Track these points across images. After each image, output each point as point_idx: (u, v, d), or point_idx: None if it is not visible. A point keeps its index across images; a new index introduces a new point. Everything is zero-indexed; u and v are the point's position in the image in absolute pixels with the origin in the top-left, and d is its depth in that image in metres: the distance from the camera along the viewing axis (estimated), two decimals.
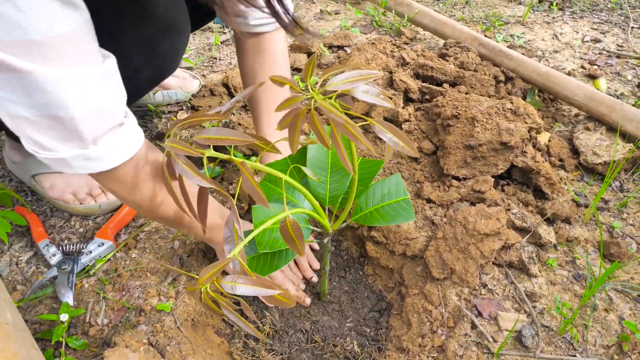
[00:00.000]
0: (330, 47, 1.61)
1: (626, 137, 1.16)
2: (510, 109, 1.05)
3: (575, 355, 0.83)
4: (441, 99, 1.14)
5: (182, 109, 1.38)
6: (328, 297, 1.03)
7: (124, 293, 0.89)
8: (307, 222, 0.84)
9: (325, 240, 0.85)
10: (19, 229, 1.01)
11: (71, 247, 0.95)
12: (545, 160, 1.18)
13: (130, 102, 0.67)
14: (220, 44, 1.68)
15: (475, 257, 0.89)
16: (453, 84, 1.32)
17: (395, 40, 1.43)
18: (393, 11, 1.75)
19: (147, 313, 0.86)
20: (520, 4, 1.97)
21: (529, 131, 1.05)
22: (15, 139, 1.03)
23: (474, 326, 0.86)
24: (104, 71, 0.59)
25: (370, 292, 1.05)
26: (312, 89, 0.55)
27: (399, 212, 0.80)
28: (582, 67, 1.57)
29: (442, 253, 0.91)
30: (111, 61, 0.61)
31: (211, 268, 0.57)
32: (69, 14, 0.52)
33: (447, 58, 1.41)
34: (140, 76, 0.87)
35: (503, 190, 1.07)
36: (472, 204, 1.02)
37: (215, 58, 1.60)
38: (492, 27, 1.78)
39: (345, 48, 1.59)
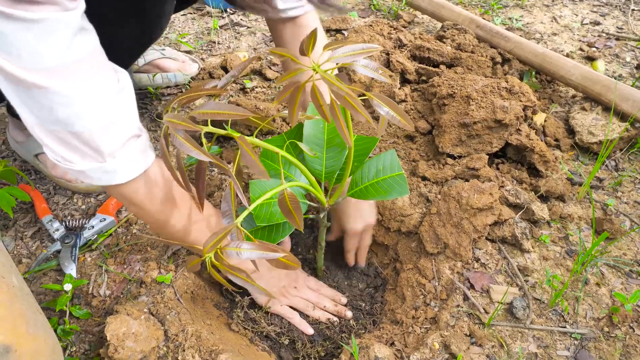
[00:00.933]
0: (328, 30, 1.62)
1: (620, 115, 1.17)
2: (506, 87, 1.06)
3: (565, 327, 0.85)
4: (437, 79, 1.15)
5: (181, 91, 1.40)
6: (326, 273, 1.05)
7: (125, 266, 0.92)
8: (303, 197, 0.86)
9: (322, 215, 0.87)
10: (23, 205, 1.03)
11: (74, 222, 0.97)
12: (541, 140, 1.19)
13: (123, 67, 0.69)
14: (219, 28, 1.69)
15: (468, 231, 0.90)
16: (450, 66, 1.32)
17: (393, 23, 1.44)
18: None
19: (148, 285, 0.88)
20: None
21: (523, 109, 1.07)
22: (17, 117, 1.05)
23: (466, 298, 0.88)
24: (119, 87, 0.62)
25: (367, 268, 1.07)
26: (313, 61, 0.57)
27: (394, 187, 0.82)
28: (581, 49, 1.57)
29: (436, 228, 0.92)
30: (124, 76, 0.64)
31: (214, 237, 0.59)
32: (82, 40, 0.56)
33: (444, 40, 1.41)
34: (126, 35, 0.87)
35: (498, 168, 1.09)
36: (467, 181, 1.04)
37: (214, 42, 1.61)
38: (491, 10, 1.78)
39: (343, 32, 1.59)
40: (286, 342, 0.92)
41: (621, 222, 1.04)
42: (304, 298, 0.96)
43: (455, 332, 0.82)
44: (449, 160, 1.06)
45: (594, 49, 1.57)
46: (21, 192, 0.97)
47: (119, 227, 0.99)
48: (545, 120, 1.23)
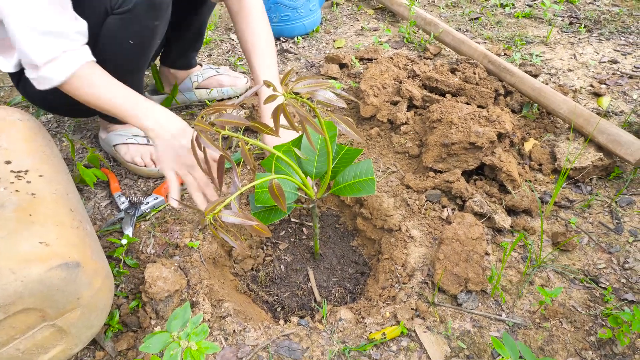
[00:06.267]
0: (361, 59, 1.87)
1: (598, 146, 1.31)
2: (485, 116, 1.26)
3: (501, 315, 1.03)
4: (434, 106, 1.36)
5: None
6: (322, 257, 1.29)
7: (167, 233, 1.22)
8: (296, 190, 1.12)
9: (311, 206, 1.12)
10: (102, 183, 1.38)
11: (135, 198, 1.30)
12: (526, 163, 1.36)
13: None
14: None
15: (477, 260, 1.04)
16: (455, 95, 1.53)
17: (411, 56, 1.66)
18: (421, 30, 1.98)
19: (181, 248, 1.18)
20: (550, 25, 2.10)
21: (499, 135, 1.25)
22: (104, 118, 1.41)
23: (421, 283, 1.09)
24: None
25: (358, 258, 1.30)
26: (285, 91, 0.83)
27: (365, 187, 1.05)
28: (591, 85, 1.70)
29: (452, 269, 1.04)
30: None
31: (213, 203, 0.87)
32: None
33: (456, 72, 1.62)
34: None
35: (475, 184, 1.28)
36: (443, 191, 1.24)
37: None
38: (514, 46, 1.94)
39: (373, 61, 1.84)
40: (279, 308, 1.18)
41: (580, 238, 1.19)
42: (194, 176, 1.06)
43: (404, 306, 1.03)
44: (431, 174, 1.27)
45: (603, 85, 1.69)
46: (101, 173, 1.32)
47: (166, 205, 1.31)
48: (533, 147, 1.40)
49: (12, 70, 1.18)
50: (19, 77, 1.22)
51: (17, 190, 0.87)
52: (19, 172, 0.93)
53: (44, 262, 0.79)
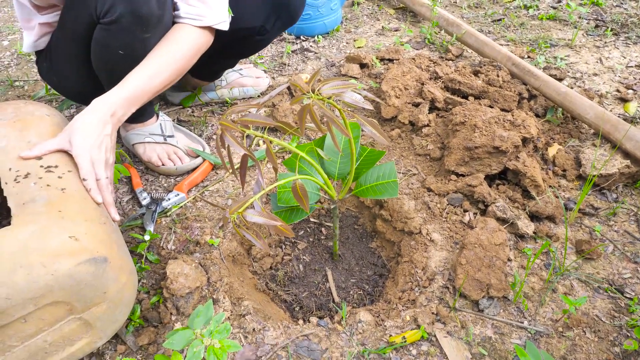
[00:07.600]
0: (382, 59, 1.86)
1: (625, 153, 1.28)
2: (510, 120, 1.24)
3: (523, 322, 1.02)
4: (457, 109, 1.35)
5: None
6: (341, 258, 1.29)
7: (187, 230, 1.23)
8: (318, 190, 1.12)
9: (332, 207, 1.11)
10: (124, 179, 1.39)
11: (157, 195, 1.31)
12: (550, 169, 1.34)
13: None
14: (290, 52, 2.01)
15: (500, 266, 1.02)
16: (478, 97, 1.51)
17: (433, 57, 1.65)
18: (442, 30, 1.97)
19: (202, 245, 1.19)
20: (575, 28, 2.07)
21: (523, 140, 1.24)
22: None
23: (442, 287, 1.08)
24: None
25: (376, 260, 1.30)
26: (312, 92, 0.83)
27: (387, 190, 1.05)
28: (618, 90, 1.66)
29: (474, 275, 1.03)
30: None
31: (237, 203, 0.87)
32: None
33: (479, 75, 1.60)
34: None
35: (497, 188, 1.26)
36: (465, 195, 1.23)
37: (285, 64, 1.93)
38: (538, 48, 1.91)
39: (394, 61, 1.83)
40: (297, 308, 1.18)
41: (605, 247, 1.17)
42: (98, 174, 0.99)
43: (425, 310, 1.02)
44: (453, 177, 1.26)
45: (630, 91, 1.65)
46: (124, 169, 1.33)
47: (187, 202, 1.31)
48: (557, 152, 1.38)
49: (28, 50, 1.26)
50: (37, 59, 1.34)
51: (47, 185, 0.88)
52: (48, 167, 0.94)
53: (74, 256, 0.80)
